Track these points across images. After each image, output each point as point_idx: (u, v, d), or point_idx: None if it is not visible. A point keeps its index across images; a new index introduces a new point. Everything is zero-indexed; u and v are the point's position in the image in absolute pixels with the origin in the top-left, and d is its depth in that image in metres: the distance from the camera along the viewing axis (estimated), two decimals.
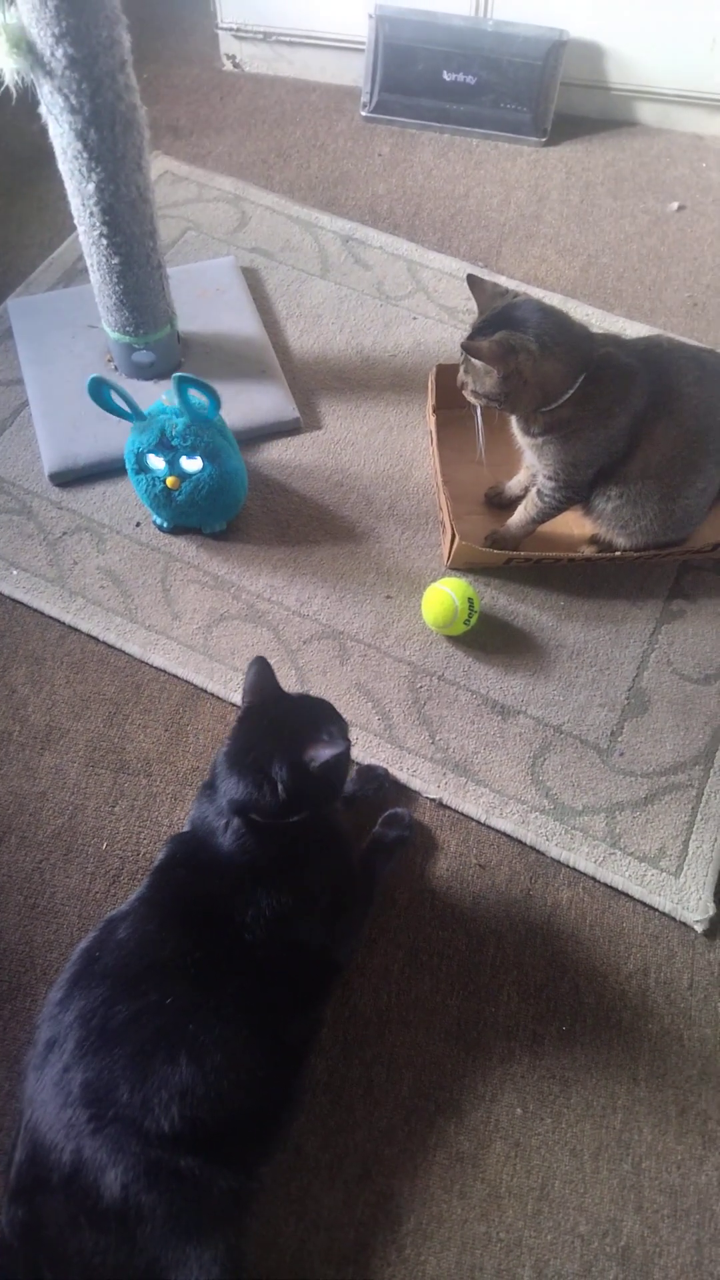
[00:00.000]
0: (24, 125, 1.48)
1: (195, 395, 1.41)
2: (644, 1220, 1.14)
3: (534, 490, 1.51)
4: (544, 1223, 1.14)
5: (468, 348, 1.29)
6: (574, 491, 1.46)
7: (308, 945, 1.11)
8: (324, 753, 1.03)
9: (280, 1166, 1.14)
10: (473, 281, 1.37)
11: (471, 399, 1.39)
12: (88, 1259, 0.94)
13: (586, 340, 1.33)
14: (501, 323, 1.29)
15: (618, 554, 1.53)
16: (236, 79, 2.42)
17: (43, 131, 1.42)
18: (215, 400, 1.42)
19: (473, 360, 1.31)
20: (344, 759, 1.10)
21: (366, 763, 1.41)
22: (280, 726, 1.09)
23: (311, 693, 1.44)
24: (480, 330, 1.31)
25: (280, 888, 1.07)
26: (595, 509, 1.48)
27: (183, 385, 1.39)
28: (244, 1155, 1.03)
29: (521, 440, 1.45)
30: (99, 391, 1.38)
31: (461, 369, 1.38)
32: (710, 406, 1.37)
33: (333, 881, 1.15)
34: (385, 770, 1.41)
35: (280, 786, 1.04)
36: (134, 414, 1.43)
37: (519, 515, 1.55)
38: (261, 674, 1.15)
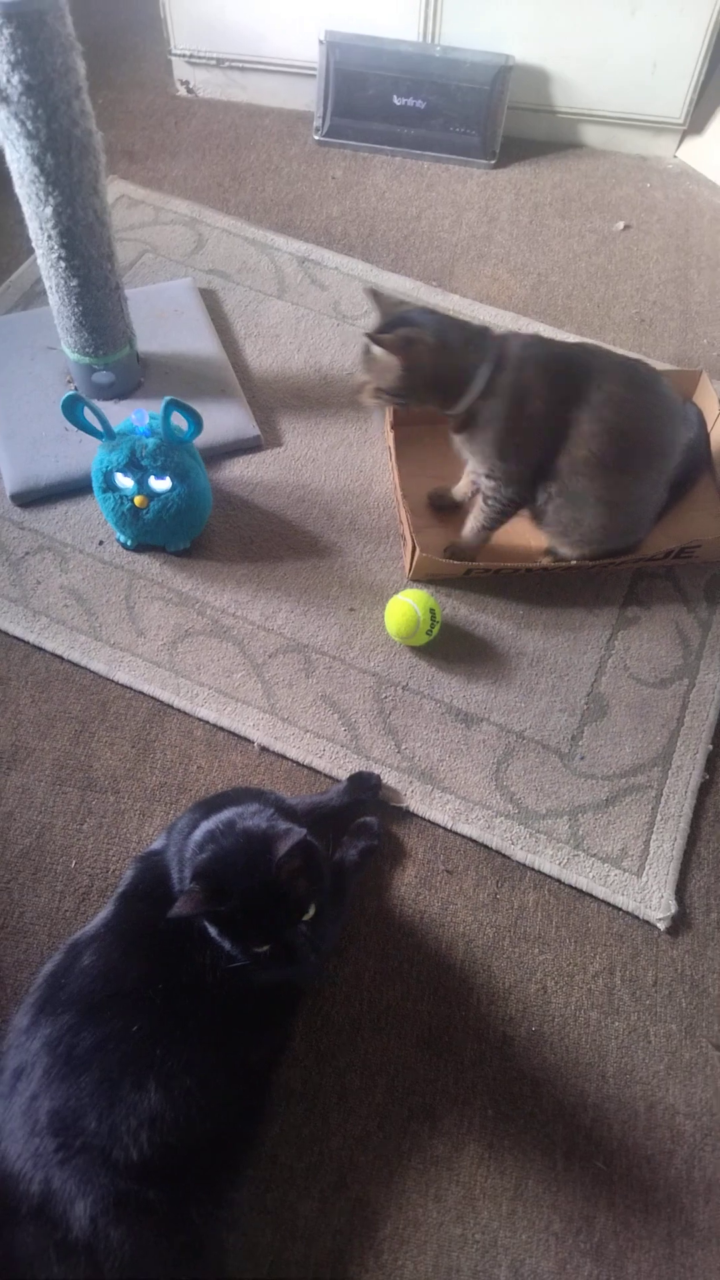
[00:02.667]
0: None
1: (176, 420, 1.43)
2: (616, 1216, 1.16)
3: (479, 497, 1.54)
4: (519, 1222, 1.15)
5: (374, 337, 1.35)
6: (514, 489, 1.49)
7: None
8: (283, 846, 1.01)
9: (256, 1177, 1.15)
10: (373, 294, 1.43)
11: (371, 400, 1.44)
12: None
13: (481, 335, 1.40)
14: (398, 323, 1.37)
15: (574, 563, 1.56)
16: (191, 104, 2.45)
17: None
18: (197, 425, 1.44)
19: (375, 357, 1.38)
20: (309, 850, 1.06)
21: (358, 770, 1.43)
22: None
23: (278, 706, 1.46)
24: (380, 331, 1.37)
25: None
26: (540, 511, 1.52)
27: (169, 409, 1.41)
28: (213, 1181, 1.04)
29: (455, 443, 1.50)
30: (72, 409, 1.40)
31: (361, 368, 1.43)
32: (640, 412, 1.42)
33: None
34: (378, 777, 1.42)
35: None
36: (104, 432, 1.44)
37: (470, 524, 1.58)
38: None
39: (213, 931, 1.01)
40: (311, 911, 1.03)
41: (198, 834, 1.08)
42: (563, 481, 1.45)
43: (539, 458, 1.44)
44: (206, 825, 1.08)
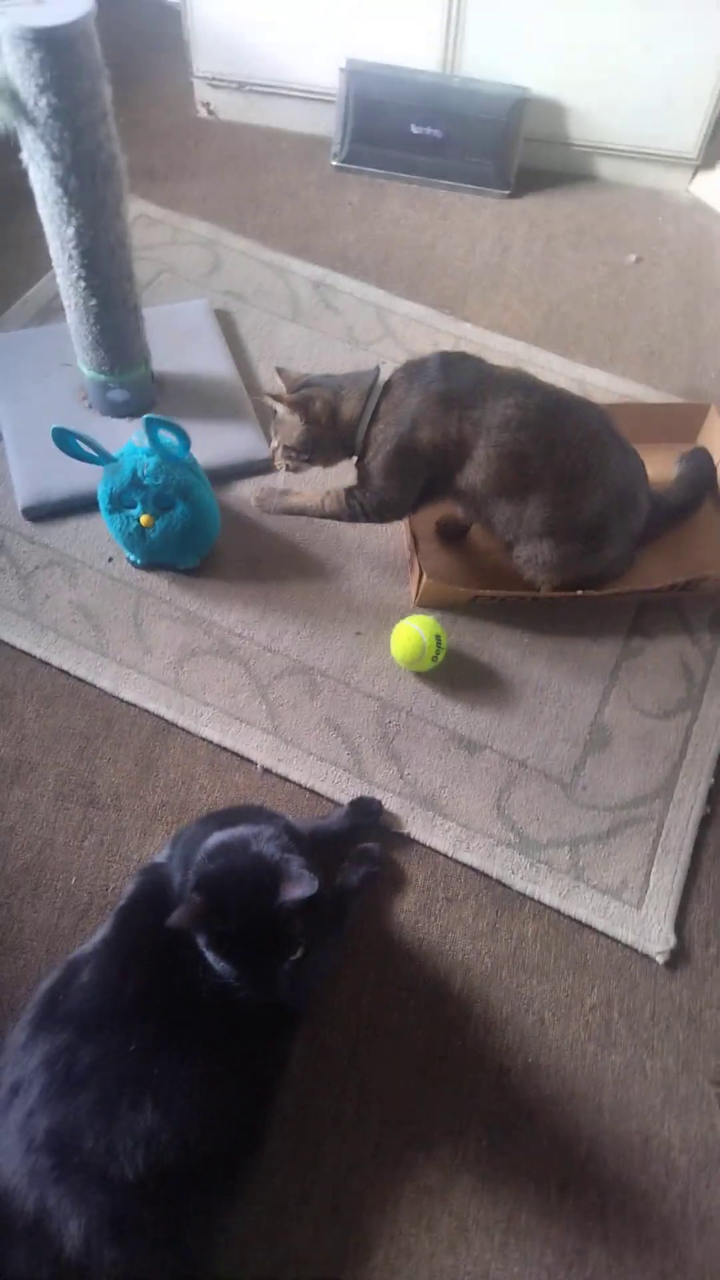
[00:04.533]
0: (0, 166, 1.51)
1: (165, 435, 1.44)
2: (610, 1250, 1.15)
3: (344, 491, 1.56)
4: (511, 1254, 1.15)
5: (276, 397, 1.47)
6: (377, 507, 1.53)
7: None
8: (293, 891, 1.01)
9: (249, 1200, 1.14)
10: (279, 370, 1.51)
11: (283, 461, 1.53)
12: None
13: (373, 374, 1.48)
14: (303, 387, 1.48)
15: (579, 593, 1.57)
16: (211, 126, 2.48)
17: (19, 172, 1.45)
18: (185, 439, 1.45)
19: (281, 419, 1.49)
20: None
21: (360, 795, 1.43)
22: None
23: (281, 728, 1.47)
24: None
25: None
26: (507, 544, 1.55)
27: (152, 426, 1.42)
28: (209, 1203, 1.03)
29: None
30: (64, 441, 1.42)
31: (272, 434, 1.53)
32: (542, 437, 1.42)
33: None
34: (379, 803, 1.42)
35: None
36: (102, 458, 1.45)
37: (312, 496, 1.59)
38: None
39: (201, 942, 1.02)
40: (299, 954, 1.03)
41: (211, 842, 1.08)
42: (462, 500, 1.51)
43: (425, 483, 1.49)
44: (221, 837, 1.08)
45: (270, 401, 1.49)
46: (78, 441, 1.42)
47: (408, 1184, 1.18)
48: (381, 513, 1.54)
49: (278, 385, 1.49)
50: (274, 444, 1.53)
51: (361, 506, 1.53)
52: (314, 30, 2.26)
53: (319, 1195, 1.17)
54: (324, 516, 1.58)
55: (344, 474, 1.55)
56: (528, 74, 2.22)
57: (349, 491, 1.54)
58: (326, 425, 1.47)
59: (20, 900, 1.34)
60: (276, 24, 2.28)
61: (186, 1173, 0.99)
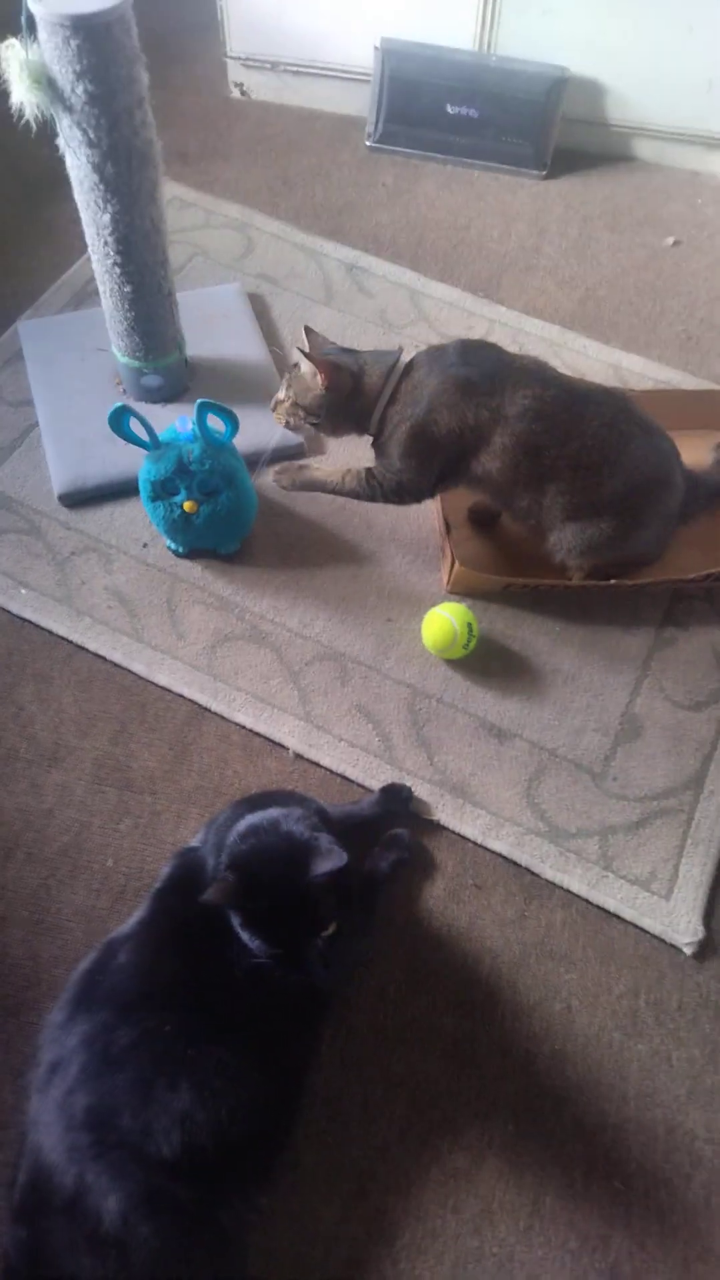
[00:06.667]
0: (36, 149, 1.50)
1: (212, 421, 1.45)
2: (633, 1237, 1.17)
3: (365, 469, 1.56)
4: (535, 1238, 1.16)
5: (308, 355, 1.45)
6: (396, 487, 1.53)
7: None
8: (322, 865, 1.03)
9: (277, 1181, 1.17)
10: (308, 330, 1.51)
11: (287, 416, 1.53)
12: None
13: (395, 354, 1.49)
14: (330, 355, 1.49)
15: (612, 582, 1.57)
16: (244, 106, 2.47)
17: (55, 156, 1.46)
18: (234, 425, 1.46)
19: (301, 375, 1.50)
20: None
21: (391, 782, 1.44)
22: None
23: (313, 714, 1.48)
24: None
25: None
26: (537, 530, 1.54)
27: (203, 411, 1.43)
28: (245, 1182, 1.06)
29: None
30: (119, 421, 1.41)
31: (284, 386, 1.53)
32: (560, 427, 1.42)
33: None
34: (409, 789, 1.43)
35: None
36: (151, 443, 1.46)
37: (334, 473, 1.60)
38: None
39: (236, 922, 1.04)
40: (331, 929, 1.05)
41: (242, 825, 1.10)
42: (475, 484, 1.51)
43: (441, 467, 1.49)
44: (252, 819, 1.11)
45: (297, 354, 1.48)
46: (131, 424, 1.42)
47: (434, 1166, 1.20)
48: (400, 494, 1.55)
49: (304, 342, 1.49)
50: (281, 395, 1.54)
51: (381, 486, 1.54)
52: (348, 9, 2.24)
53: (347, 1176, 1.19)
54: (342, 494, 1.60)
55: (363, 452, 1.57)
56: (566, 54, 2.19)
57: (369, 471, 1.55)
58: (347, 397, 1.48)
59: (59, 882, 1.37)
60: (310, 3, 2.26)
61: (221, 1151, 1.02)
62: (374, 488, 1.55)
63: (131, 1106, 0.99)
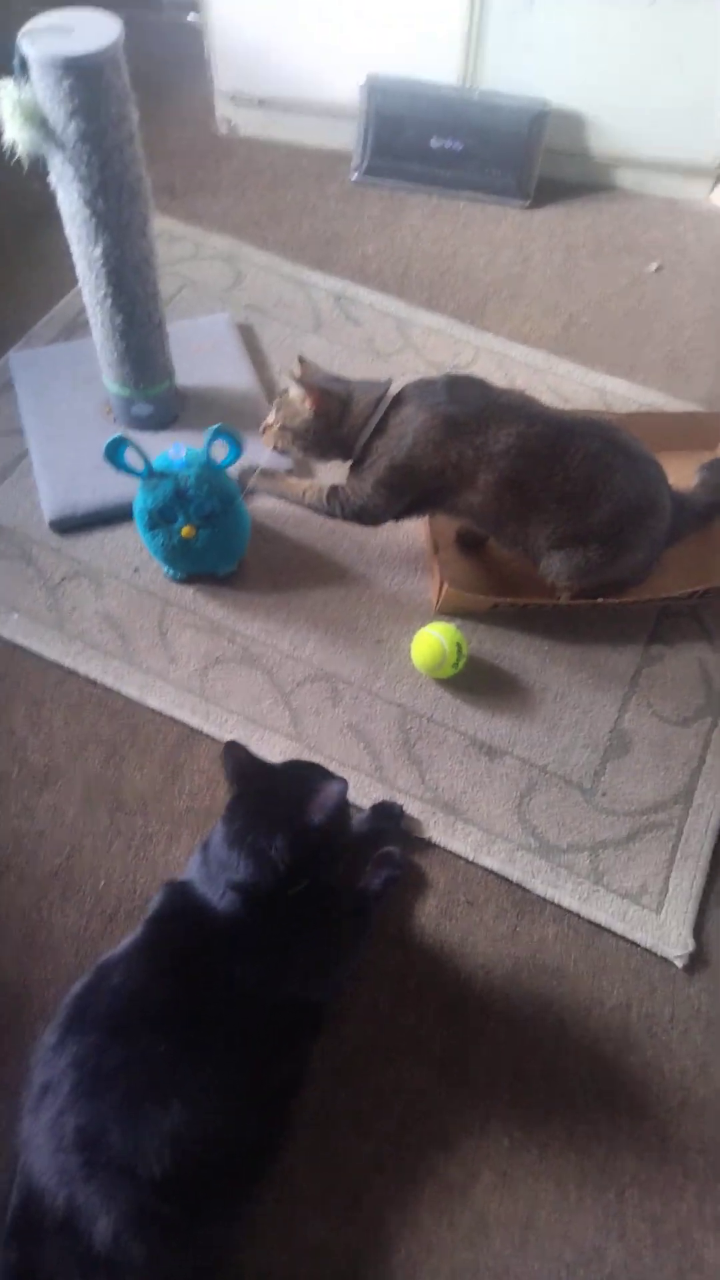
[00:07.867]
0: (27, 184, 1.53)
1: (218, 448, 1.48)
2: (627, 1248, 1.17)
3: (333, 487, 1.62)
4: (530, 1251, 1.17)
5: (298, 379, 1.50)
6: (361, 510, 1.59)
7: (297, 997, 1.15)
8: (325, 803, 1.08)
9: (271, 1196, 1.17)
10: (302, 360, 1.56)
11: (274, 439, 1.57)
12: None
13: (384, 385, 1.53)
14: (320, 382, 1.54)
15: (599, 601, 1.59)
16: (231, 142, 2.52)
17: (45, 191, 1.49)
18: (239, 451, 1.50)
19: (290, 399, 1.54)
20: (344, 808, 1.13)
21: (380, 799, 1.45)
22: (274, 801, 1.13)
23: (304, 734, 1.49)
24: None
25: (272, 952, 1.12)
26: (532, 557, 1.57)
27: (215, 435, 1.46)
28: (232, 1200, 1.06)
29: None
30: (115, 452, 1.43)
31: (273, 409, 1.58)
32: (542, 464, 1.45)
33: (325, 944, 1.19)
34: (401, 807, 1.45)
35: (280, 865, 1.08)
36: (145, 472, 1.47)
37: (299, 484, 1.68)
38: (239, 759, 1.18)
39: (219, 834, 1.13)
40: (302, 885, 1.10)
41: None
42: (491, 526, 1.56)
43: (414, 499, 1.54)
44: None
45: (288, 380, 1.52)
46: (126, 455, 1.44)
47: (428, 1180, 1.20)
48: (360, 517, 1.60)
49: (296, 369, 1.53)
50: (270, 419, 1.58)
51: (341, 507, 1.59)
52: (334, 46, 2.29)
53: (340, 1190, 1.19)
54: (301, 506, 1.68)
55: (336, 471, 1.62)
56: (548, 86, 2.25)
57: (333, 489, 1.60)
58: (333, 424, 1.52)
59: (50, 904, 1.38)
60: (297, 41, 2.32)
61: (211, 1170, 1.02)
62: (334, 506, 1.60)
63: (122, 1126, 0.99)
